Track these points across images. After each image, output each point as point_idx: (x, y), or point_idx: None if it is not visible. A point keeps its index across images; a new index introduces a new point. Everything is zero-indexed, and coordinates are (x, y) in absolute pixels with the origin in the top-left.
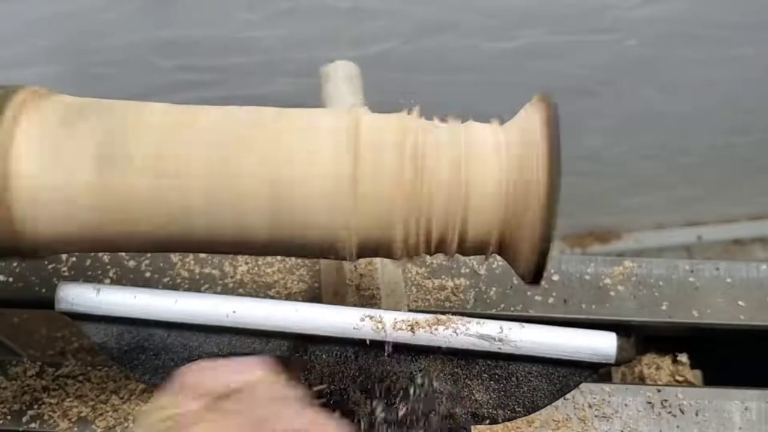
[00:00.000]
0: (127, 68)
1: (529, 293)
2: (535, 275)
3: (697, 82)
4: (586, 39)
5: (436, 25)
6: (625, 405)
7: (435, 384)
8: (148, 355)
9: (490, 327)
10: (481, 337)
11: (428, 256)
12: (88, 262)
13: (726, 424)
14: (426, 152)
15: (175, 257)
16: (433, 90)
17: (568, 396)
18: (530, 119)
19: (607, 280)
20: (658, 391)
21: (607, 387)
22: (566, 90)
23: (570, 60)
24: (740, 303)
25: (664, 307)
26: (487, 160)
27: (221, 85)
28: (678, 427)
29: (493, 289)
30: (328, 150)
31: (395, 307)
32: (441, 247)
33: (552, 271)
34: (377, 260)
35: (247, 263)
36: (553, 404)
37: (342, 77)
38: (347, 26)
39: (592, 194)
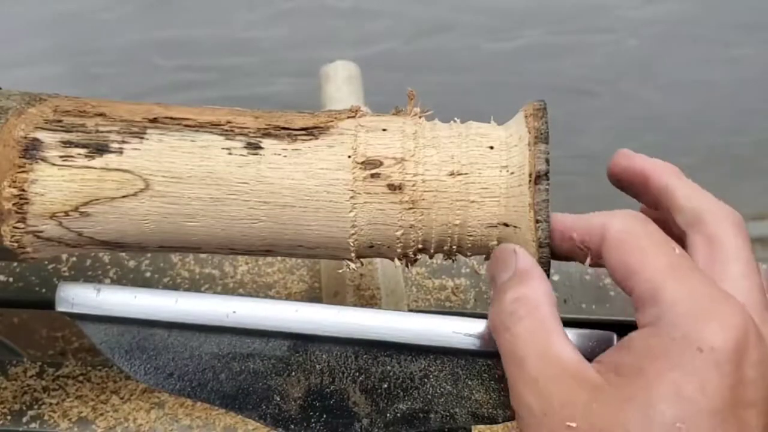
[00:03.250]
0: (127, 68)
1: None
2: None
3: (697, 82)
4: (586, 39)
5: (436, 25)
6: None
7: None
8: (149, 355)
9: None
10: (482, 337)
11: (428, 258)
12: (88, 262)
13: None
14: (426, 154)
15: (175, 257)
16: (433, 90)
17: None
18: (522, 123)
19: (608, 280)
20: None
21: None
22: (566, 90)
23: (570, 60)
24: None
25: None
26: (486, 162)
27: (221, 85)
28: None
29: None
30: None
31: (395, 307)
32: (441, 248)
33: (552, 271)
34: (377, 260)
35: (247, 263)
36: None
37: (342, 77)
38: (347, 26)
39: (592, 194)
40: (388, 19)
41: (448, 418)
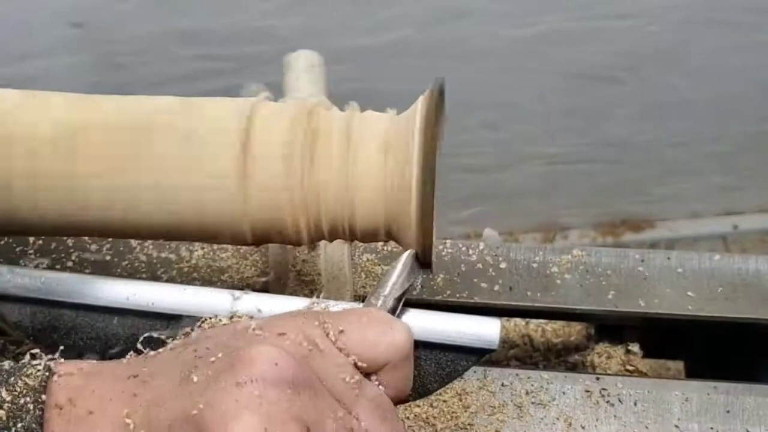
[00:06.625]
0: (146, 57)
1: (475, 280)
2: (424, 264)
3: (723, 68)
4: (607, 25)
5: (453, 11)
6: (563, 393)
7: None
8: (60, 335)
9: None
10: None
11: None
12: (53, 245)
13: (664, 415)
14: (317, 145)
15: (134, 242)
16: (449, 77)
17: (506, 382)
18: (411, 117)
19: (555, 269)
20: (597, 379)
21: (545, 374)
22: (588, 77)
23: (590, 46)
24: (690, 294)
25: (610, 296)
26: (372, 155)
27: (238, 74)
28: (615, 416)
29: (440, 276)
30: (222, 149)
31: (338, 293)
32: (335, 235)
33: (500, 258)
34: (321, 245)
35: (203, 248)
36: (490, 390)
37: (303, 67)
38: (362, 14)
39: (622, 182)
40: (404, 5)
41: None
